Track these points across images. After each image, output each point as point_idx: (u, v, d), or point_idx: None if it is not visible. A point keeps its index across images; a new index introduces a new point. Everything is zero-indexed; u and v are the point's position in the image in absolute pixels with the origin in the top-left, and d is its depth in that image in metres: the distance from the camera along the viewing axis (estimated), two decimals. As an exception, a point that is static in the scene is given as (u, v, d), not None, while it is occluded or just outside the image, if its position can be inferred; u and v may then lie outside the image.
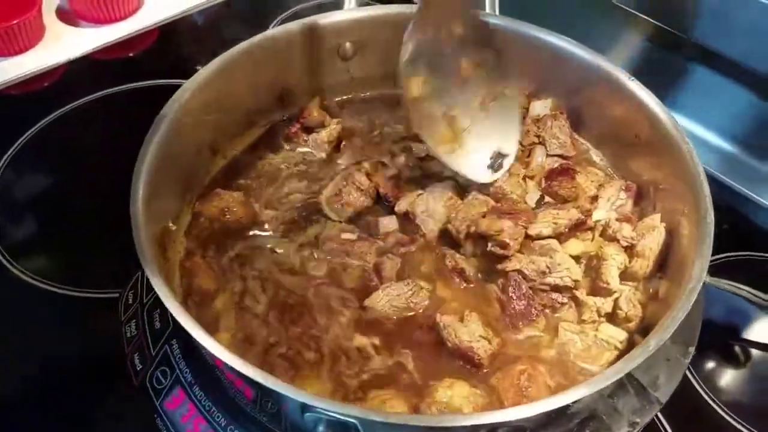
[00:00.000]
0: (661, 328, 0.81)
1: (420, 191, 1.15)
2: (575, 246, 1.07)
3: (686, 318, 1.00)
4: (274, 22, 1.77)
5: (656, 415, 1.06)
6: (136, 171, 0.96)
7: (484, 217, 1.07)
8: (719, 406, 1.10)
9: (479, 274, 1.07)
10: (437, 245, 1.10)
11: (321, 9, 1.27)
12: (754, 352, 1.20)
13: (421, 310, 1.02)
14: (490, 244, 1.04)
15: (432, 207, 1.12)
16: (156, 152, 0.99)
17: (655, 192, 1.11)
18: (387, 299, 1.02)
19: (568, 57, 1.19)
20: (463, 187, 1.16)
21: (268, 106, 1.26)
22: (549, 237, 1.05)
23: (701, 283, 0.85)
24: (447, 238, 1.10)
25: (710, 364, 1.17)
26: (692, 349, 1.01)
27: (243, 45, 1.16)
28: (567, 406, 0.88)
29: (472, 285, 1.06)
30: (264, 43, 1.18)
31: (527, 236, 1.05)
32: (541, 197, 1.14)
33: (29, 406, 1.08)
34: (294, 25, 1.22)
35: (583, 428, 0.95)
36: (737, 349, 1.21)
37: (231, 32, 1.64)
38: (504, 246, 1.02)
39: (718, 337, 1.20)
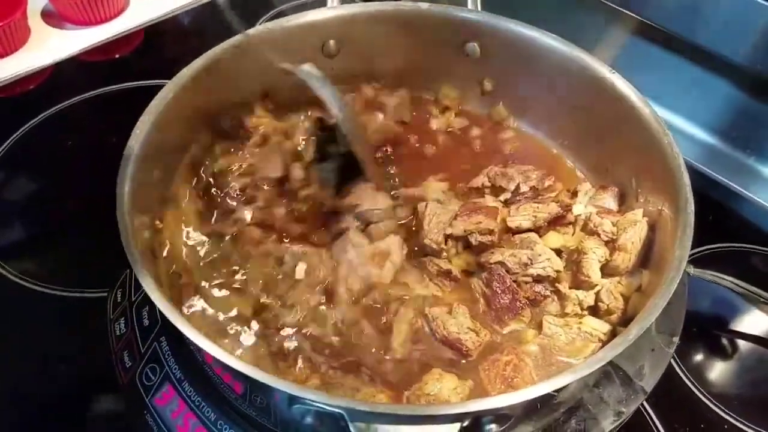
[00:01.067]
0: (642, 316, 0.82)
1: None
2: (555, 239, 1.08)
3: (670, 308, 1.01)
4: (260, 21, 1.78)
5: (643, 405, 1.08)
6: (122, 171, 0.95)
7: (455, 219, 1.08)
8: (704, 396, 1.12)
9: (462, 273, 1.07)
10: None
11: (305, 8, 1.27)
12: (739, 342, 1.22)
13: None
14: (473, 238, 1.04)
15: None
16: (141, 152, 0.99)
17: (637, 184, 1.12)
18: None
19: (550, 51, 1.20)
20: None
21: (253, 104, 1.26)
22: (528, 230, 1.06)
23: (681, 272, 0.86)
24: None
25: (696, 355, 1.18)
26: (676, 339, 1.02)
27: (226, 44, 1.16)
28: (553, 396, 0.90)
29: (457, 282, 1.06)
30: (246, 42, 1.18)
31: (507, 230, 1.06)
32: (517, 187, 1.15)
33: (20, 404, 1.08)
34: (276, 24, 1.22)
35: (570, 418, 0.96)
36: (722, 339, 1.22)
37: (217, 32, 1.64)
38: (489, 232, 1.03)
39: (704, 328, 1.22)
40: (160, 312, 0.82)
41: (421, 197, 1.16)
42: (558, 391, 0.79)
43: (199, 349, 0.84)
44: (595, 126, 1.19)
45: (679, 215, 0.94)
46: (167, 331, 1.02)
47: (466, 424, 0.73)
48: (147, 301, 1.06)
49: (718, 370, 1.17)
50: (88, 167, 1.43)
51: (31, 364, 1.13)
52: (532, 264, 1.02)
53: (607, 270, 1.05)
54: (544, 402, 0.92)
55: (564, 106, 1.24)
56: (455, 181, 1.22)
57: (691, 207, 0.94)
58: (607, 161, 1.20)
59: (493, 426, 0.76)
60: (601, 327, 0.98)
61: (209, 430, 0.95)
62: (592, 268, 1.02)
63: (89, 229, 1.29)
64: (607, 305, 1.00)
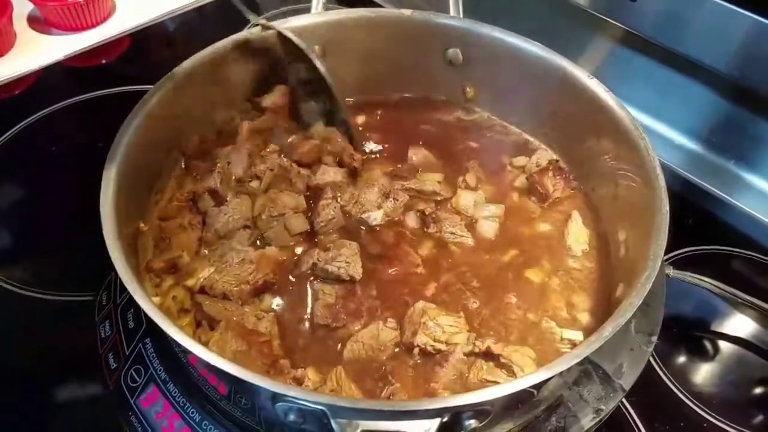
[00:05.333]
0: (617, 314, 0.83)
1: None
2: None
3: (648, 308, 1.04)
4: (246, 28, 1.78)
5: (624, 404, 1.09)
6: (105, 175, 0.96)
7: None
8: (685, 395, 1.14)
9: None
10: None
11: (290, 14, 1.28)
12: (719, 343, 1.23)
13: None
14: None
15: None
16: (124, 156, 0.99)
17: (616, 187, 1.13)
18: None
19: (531, 58, 1.22)
20: None
21: (238, 108, 1.27)
22: None
23: (656, 271, 0.87)
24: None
25: (676, 355, 1.20)
26: (655, 339, 1.04)
27: (211, 49, 1.17)
28: (532, 393, 0.91)
29: None
30: (231, 48, 1.20)
31: None
32: None
33: (6, 407, 1.08)
34: (260, 29, 1.23)
35: (550, 415, 0.98)
36: (702, 340, 1.24)
37: (203, 38, 1.65)
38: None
39: (684, 329, 1.24)
40: (145, 314, 0.82)
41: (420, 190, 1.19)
42: (537, 387, 0.80)
43: (184, 350, 0.85)
44: (575, 130, 1.21)
45: (655, 216, 0.95)
46: (152, 332, 1.03)
47: (446, 419, 0.74)
48: (131, 303, 1.06)
49: (698, 371, 1.19)
50: (73, 172, 1.43)
51: (17, 367, 1.13)
52: None
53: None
54: (524, 399, 0.94)
55: (545, 111, 1.26)
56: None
57: (666, 208, 0.95)
58: (588, 164, 1.21)
59: (472, 421, 0.77)
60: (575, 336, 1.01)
61: (194, 431, 0.96)
62: None
63: (75, 233, 1.29)
64: None
